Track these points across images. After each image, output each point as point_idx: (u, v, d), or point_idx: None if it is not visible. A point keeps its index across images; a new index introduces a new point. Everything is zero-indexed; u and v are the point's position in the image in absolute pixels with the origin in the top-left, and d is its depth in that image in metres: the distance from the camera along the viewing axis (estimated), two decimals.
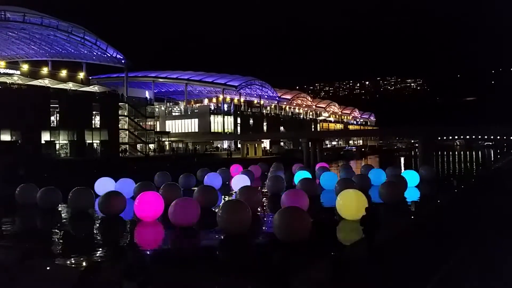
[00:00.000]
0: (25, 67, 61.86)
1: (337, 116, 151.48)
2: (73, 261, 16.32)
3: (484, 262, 11.34)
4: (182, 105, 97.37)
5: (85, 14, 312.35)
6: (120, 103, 64.08)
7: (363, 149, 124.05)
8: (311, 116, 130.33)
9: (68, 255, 17.42)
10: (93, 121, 58.53)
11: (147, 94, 79.49)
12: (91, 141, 57.38)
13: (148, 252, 18.21)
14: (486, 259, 11.57)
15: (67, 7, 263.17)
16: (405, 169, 45.88)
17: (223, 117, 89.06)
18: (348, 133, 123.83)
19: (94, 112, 58.56)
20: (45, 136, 52.51)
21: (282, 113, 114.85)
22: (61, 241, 20.71)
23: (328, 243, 17.67)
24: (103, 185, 31.00)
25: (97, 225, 24.19)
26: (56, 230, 23.20)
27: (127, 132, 65.42)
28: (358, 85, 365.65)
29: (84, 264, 15.65)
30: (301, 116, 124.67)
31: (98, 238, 21.71)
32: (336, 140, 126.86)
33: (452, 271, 10.60)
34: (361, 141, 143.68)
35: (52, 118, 54.18)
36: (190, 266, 16.02)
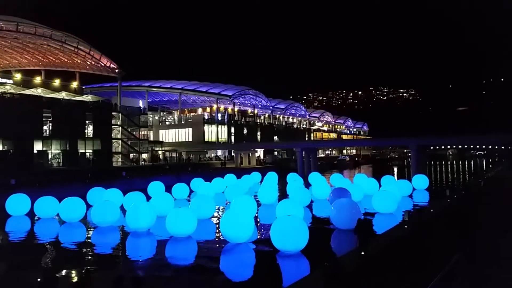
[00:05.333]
0: (18, 76, 61.54)
1: (330, 125, 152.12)
2: (64, 272, 16.13)
3: (478, 269, 11.39)
4: (176, 114, 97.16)
5: (79, 23, 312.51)
6: (113, 113, 63.86)
7: (356, 159, 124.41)
8: (304, 126, 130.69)
9: (60, 266, 17.22)
10: (86, 131, 58.23)
11: (141, 104, 79.27)
12: (83, 151, 57.02)
13: (143, 262, 18.06)
14: (479, 266, 11.62)
15: (61, 16, 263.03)
16: (398, 179, 46.09)
17: (217, 127, 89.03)
18: (342, 142, 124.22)
19: (87, 122, 58.29)
20: (38, 146, 52.08)
21: (276, 123, 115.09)
22: (52, 252, 20.46)
23: (322, 253, 17.66)
24: (96, 195, 30.91)
25: (89, 235, 23.97)
26: (48, 241, 22.95)
27: (120, 141, 65.13)
28: (351, 95, 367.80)
29: (75, 275, 15.48)
30: (295, 126, 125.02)
31: (90, 248, 21.47)
32: (330, 149, 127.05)
33: (446, 279, 10.62)
34: (354, 151, 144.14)
35: (45, 127, 53.81)
36: (186, 276, 15.92)
